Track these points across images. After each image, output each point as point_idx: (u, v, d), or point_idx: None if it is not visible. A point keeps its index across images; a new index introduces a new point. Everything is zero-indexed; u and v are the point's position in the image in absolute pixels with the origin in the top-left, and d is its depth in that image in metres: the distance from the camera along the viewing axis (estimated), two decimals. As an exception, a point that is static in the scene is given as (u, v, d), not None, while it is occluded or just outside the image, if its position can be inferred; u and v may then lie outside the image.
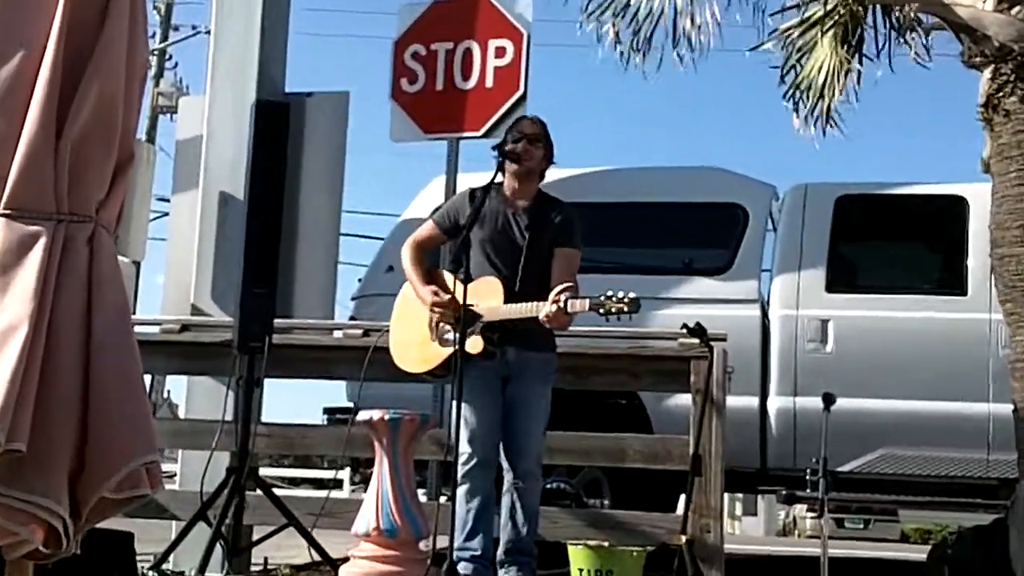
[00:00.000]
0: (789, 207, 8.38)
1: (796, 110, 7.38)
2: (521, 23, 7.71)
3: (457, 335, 4.83)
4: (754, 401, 7.80)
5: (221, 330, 6.50)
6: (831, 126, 7.42)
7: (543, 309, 4.81)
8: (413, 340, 5.22)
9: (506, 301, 4.96)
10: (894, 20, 7.21)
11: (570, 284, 4.88)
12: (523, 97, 7.66)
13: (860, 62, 7.30)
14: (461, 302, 4.79)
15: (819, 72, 7.24)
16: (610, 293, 4.72)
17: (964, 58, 6.59)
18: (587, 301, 4.75)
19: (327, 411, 8.62)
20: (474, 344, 4.88)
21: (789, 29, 7.47)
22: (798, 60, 7.42)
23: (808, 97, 7.30)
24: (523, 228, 5.14)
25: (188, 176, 7.61)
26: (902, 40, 7.14)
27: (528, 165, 5.19)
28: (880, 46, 7.26)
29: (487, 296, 4.97)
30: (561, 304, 4.77)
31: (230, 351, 5.72)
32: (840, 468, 7.29)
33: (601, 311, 4.73)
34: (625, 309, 4.70)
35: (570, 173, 8.35)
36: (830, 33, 7.22)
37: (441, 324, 5.13)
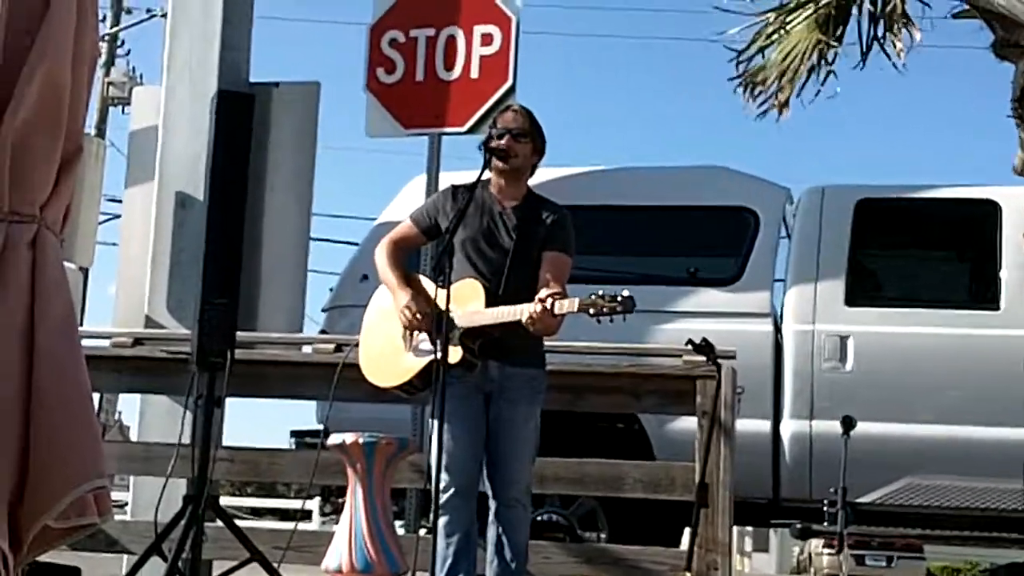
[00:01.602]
0: (804, 211, 8.38)
1: (751, 94, 7.41)
2: (509, 8, 7.72)
3: (434, 344, 4.82)
4: (766, 425, 7.80)
5: (178, 344, 6.47)
6: (781, 112, 7.43)
7: (527, 310, 4.79)
8: (385, 352, 5.20)
9: (488, 306, 4.94)
10: (880, 13, 7.23)
11: (558, 290, 4.86)
12: (512, 89, 7.66)
13: (835, 56, 7.34)
14: (441, 307, 4.77)
15: (786, 59, 7.29)
16: (601, 292, 4.70)
17: (996, 49, 6.61)
18: (576, 301, 4.73)
19: (295, 434, 8.61)
20: (452, 353, 4.86)
21: (766, 13, 7.52)
22: (761, 49, 7.47)
23: (770, 83, 7.34)
24: (510, 229, 5.13)
25: (142, 174, 7.59)
26: (888, 34, 7.16)
27: (514, 163, 5.18)
28: (864, 41, 7.30)
29: (467, 300, 4.94)
30: (548, 305, 4.74)
31: (188, 367, 5.69)
32: (861, 499, 7.29)
33: (592, 312, 4.70)
34: (618, 309, 4.67)
35: (562, 173, 8.35)
36: (807, 20, 7.27)
37: (416, 332, 5.11)
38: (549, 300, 4.75)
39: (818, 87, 7.27)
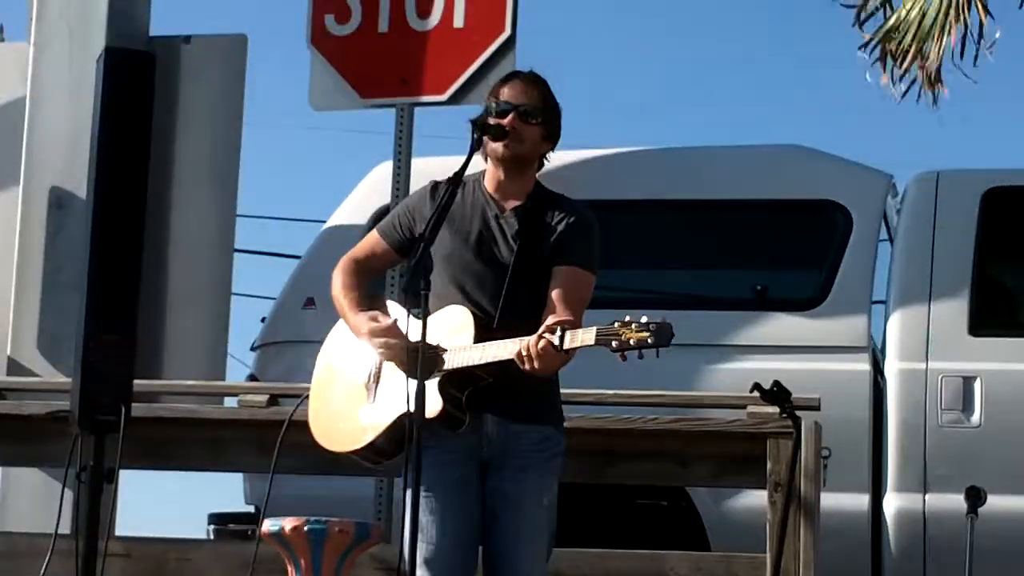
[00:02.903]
0: (913, 207, 8.39)
1: (883, 63, 7.45)
2: (506, -69, 7.77)
3: (408, 388, 4.82)
4: (863, 500, 7.81)
5: (53, 396, 6.49)
6: (933, 91, 7.47)
7: (522, 343, 4.78)
8: (342, 404, 5.20)
9: (479, 340, 4.95)
10: None
11: (570, 318, 4.87)
12: (510, 41, 7.69)
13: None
14: (417, 341, 4.77)
15: (922, 16, 7.34)
16: (628, 319, 4.70)
17: None
18: (593, 332, 4.73)
19: (215, 519, 8.63)
20: (431, 405, 4.86)
21: None
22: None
23: (901, 49, 7.39)
24: (511, 238, 5.14)
25: (4, 165, 7.62)
26: None
27: (519, 149, 5.20)
28: None
29: (451, 333, 4.96)
30: (553, 338, 4.74)
31: (67, 428, 5.71)
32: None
33: (615, 345, 4.70)
34: (650, 340, 4.66)
35: (580, 157, 8.36)
36: None
37: (385, 375, 5.11)
38: (557, 332, 4.75)
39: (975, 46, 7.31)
